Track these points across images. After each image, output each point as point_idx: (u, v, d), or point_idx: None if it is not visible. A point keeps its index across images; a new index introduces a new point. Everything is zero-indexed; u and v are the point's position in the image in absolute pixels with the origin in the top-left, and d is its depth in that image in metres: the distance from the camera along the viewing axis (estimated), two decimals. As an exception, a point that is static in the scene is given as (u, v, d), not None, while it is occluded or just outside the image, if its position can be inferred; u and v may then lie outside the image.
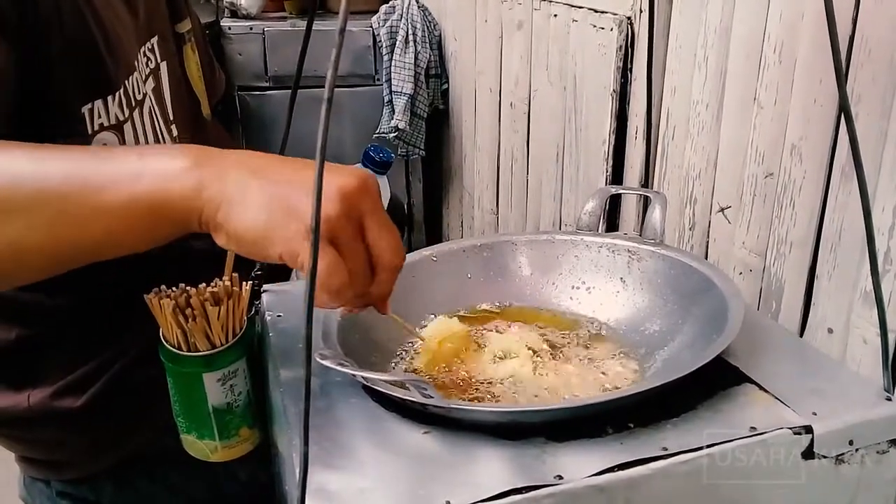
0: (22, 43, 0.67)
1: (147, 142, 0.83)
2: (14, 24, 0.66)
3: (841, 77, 0.58)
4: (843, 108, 0.60)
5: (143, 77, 0.84)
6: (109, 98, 0.76)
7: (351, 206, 0.54)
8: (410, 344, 0.76)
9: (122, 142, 0.78)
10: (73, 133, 0.73)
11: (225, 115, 2.38)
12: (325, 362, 0.60)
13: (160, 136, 0.86)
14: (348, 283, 0.54)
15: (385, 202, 0.97)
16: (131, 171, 0.55)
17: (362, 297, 0.58)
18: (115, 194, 0.54)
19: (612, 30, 1.33)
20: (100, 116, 0.75)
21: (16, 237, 0.55)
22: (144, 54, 0.86)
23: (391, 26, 2.36)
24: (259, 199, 0.53)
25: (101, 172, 0.55)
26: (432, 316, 0.79)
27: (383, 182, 0.97)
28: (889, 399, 0.62)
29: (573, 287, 0.83)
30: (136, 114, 0.81)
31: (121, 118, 0.78)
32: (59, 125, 0.71)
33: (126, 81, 0.79)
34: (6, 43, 0.65)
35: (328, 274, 0.52)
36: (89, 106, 0.74)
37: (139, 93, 0.82)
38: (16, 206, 0.54)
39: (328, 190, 0.53)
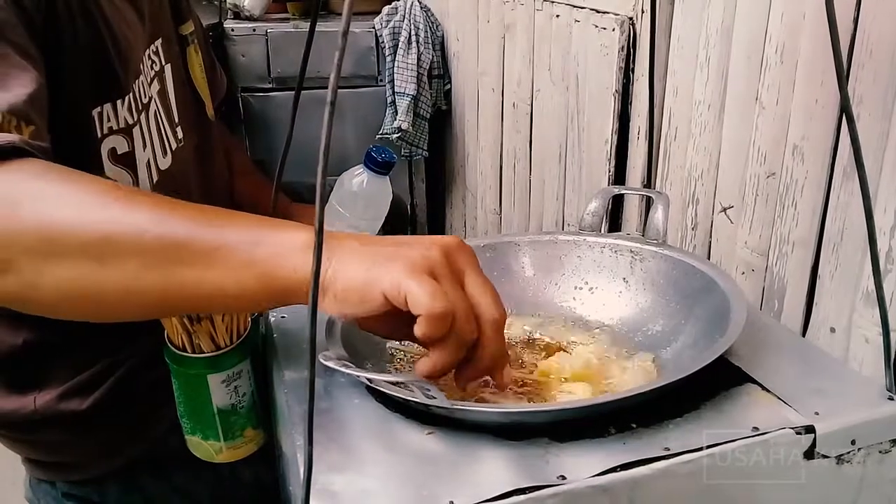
0: (45, 51, 0.67)
1: (153, 144, 0.83)
2: (40, 28, 0.67)
3: (842, 78, 0.58)
4: (845, 109, 0.60)
5: (149, 80, 0.85)
6: (119, 102, 0.77)
7: (450, 256, 0.56)
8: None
9: (131, 145, 0.79)
10: (82, 136, 0.73)
11: (228, 116, 2.38)
12: (328, 363, 0.60)
13: (166, 139, 0.86)
14: (456, 310, 0.53)
15: (388, 203, 0.98)
16: (252, 236, 0.56)
17: (476, 361, 0.57)
18: (234, 255, 0.55)
19: (613, 30, 1.33)
20: (109, 120, 0.76)
21: (130, 278, 0.55)
22: (149, 57, 0.86)
23: (394, 27, 2.36)
24: (359, 255, 0.55)
25: (222, 232, 0.56)
26: None
27: (385, 182, 0.98)
28: (891, 399, 0.62)
29: (576, 287, 0.83)
30: (142, 117, 0.81)
31: (129, 122, 0.78)
32: (69, 128, 0.72)
33: (133, 85, 0.80)
34: (37, 47, 0.66)
35: (432, 295, 0.52)
36: (98, 109, 0.75)
37: (145, 96, 0.83)
38: (136, 250, 0.55)
39: (429, 240, 0.56)
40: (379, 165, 0.95)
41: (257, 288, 0.56)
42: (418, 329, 0.53)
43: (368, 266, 0.54)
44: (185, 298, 0.58)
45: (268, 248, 0.55)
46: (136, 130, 0.79)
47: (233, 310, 0.59)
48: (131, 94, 0.79)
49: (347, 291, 0.54)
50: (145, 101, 0.82)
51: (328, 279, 0.54)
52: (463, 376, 0.58)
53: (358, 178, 0.95)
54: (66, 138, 0.71)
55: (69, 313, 0.60)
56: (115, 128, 0.77)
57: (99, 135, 0.75)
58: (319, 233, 0.44)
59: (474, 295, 0.56)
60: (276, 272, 0.55)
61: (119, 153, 0.78)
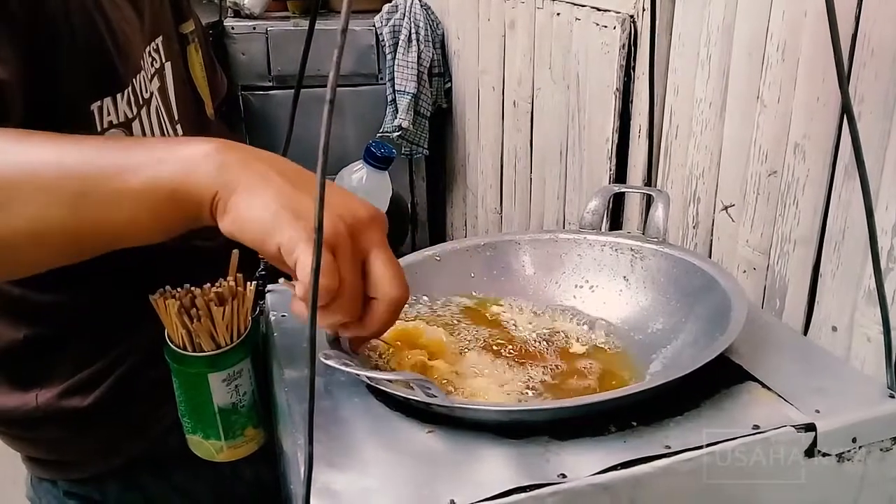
0: (30, 41, 0.67)
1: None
2: (23, 23, 0.66)
3: (843, 77, 0.58)
4: (845, 108, 0.60)
5: (149, 76, 0.85)
6: (118, 96, 0.77)
7: (359, 231, 0.55)
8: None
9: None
10: (81, 130, 0.73)
11: (228, 114, 2.38)
12: (329, 362, 0.60)
13: (167, 135, 0.86)
14: (336, 288, 0.54)
15: (387, 198, 0.98)
16: (156, 156, 0.55)
17: (353, 325, 0.58)
18: (138, 176, 0.55)
19: (614, 28, 1.33)
20: (108, 114, 0.76)
21: (36, 218, 0.55)
22: (150, 54, 0.86)
23: (394, 25, 2.36)
24: (273, 193, 0.54)
25: (125, 157, 0.56)
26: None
27: (385, 178, 0.97)
28: (892, 397, 0.62)
29: (576, 286, 0.83)
30: (143, 112, 0.81)
31: (129, 116, 0.79)
32: (68, 122, 0.72)
33: (133, 80, 0.80)
34: (14, 45, 0.66)
35: (321, 271, 0.52)
36: (98, 104, 0.75)
37: (146, 91, 0.83)
38: (37, 187, 0.55)
39: (344, 210, 0.55)
40: (378, 160, 0.95)
41: (168, 209, 0.55)
42: (298, 291, 0.54)
43: (275, 210, 0.53)
44: (97, 233, 0.57)
45: (172, 163, 0.55)
46: (135, 125, 0.79)
47: (152, 238, 0.58)
48: (130, 89, 0.79)
49: (246, 222, 0.54)
50: (146, 96, 0.82)
51: (234, 200, 0.54)
52: (344, 332, 0.61)
53: (357, 173, 0.95)
54: (66, 132, 0.71)
55: None
56: (114, 122, 0.77)
57: (99, 129, 0.75)
58: (319, 230, 0.44)
59: (376, 273, 0.56)
60: (184, 186, 0.54)
61: None
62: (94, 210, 0.55)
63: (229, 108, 2.36)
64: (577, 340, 0.76)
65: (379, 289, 0.56)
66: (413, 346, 0.71)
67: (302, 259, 0.52)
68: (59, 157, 0.56)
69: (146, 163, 0.55)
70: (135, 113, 0.79)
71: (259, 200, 0.54)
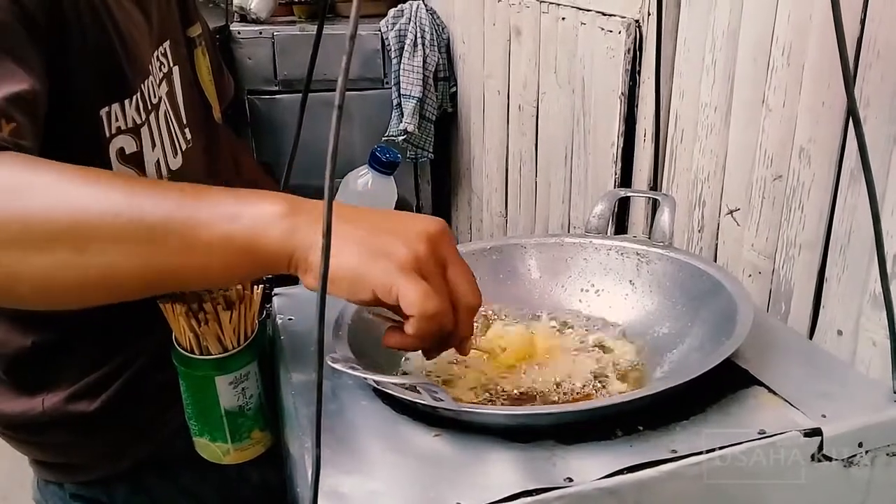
0: (49, 51, 0.68)
1: (163, 145, 0.84)
2: (43, 29, 0.67)
3: (849, 81, 0.58)
4: (852, 112, 0.60)
5: (158, 81, 0.85)
6: (126, 102, 0.77)
7: (436, 247, 0.57)
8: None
9: (139, 145, 0.79)
10: (90, 136, 0.74)
11: (235, 119, 2.39)
12: (336, 365, 0.60)
13: (175, 140, 0.87)
14: (444, 309, 0.56)
15: (393, 203, 0.98)
16: (229, 211, 0.56)
17: (447, 340, 0.61)
18: (212, 232, 0.56)
19: (620, 33, 1.33)
20: (117, 120, 0.76)
21: (110, 264, 0.56)
22: (158, 59, 0.87)
23: (400, 30, 2.37)
24: (349, 242, 0.56)
25: (198, 209, 0.57)
26: None
27: (390, 183, 0.97)
28: (899, 401, 0.62)
29: (582, 290, 0.83)
30: (151, 117, 0.81)
31: (138, 122, 0.79)
32: (76, 128, 0.72)
33: (142, 85, 0.80)
34: (38, 52, 0.66)
35: (425, 297, 0.55)
36: (107, 109, 0.75)
37: (154, 96, 0.83)
38: (113, 235, 0.55)
39: (415, 231, 0.57)
40: (383, 165, 0.95)
41: (240, 262, 0.56)
42: (410, 328, 0.56)
43: (358, 256, 0.55)
44: (167, 279, 0.58)
45: (246, 220, 0.56)
46: (143, 130, 0.80)
47: (219, 285, 0.60)
48: (139, 94, 0.79)
49: (336, 279, 0.55)
50: (154, 101, 0.83)
51: (313, 257, 0.55)
52: (433, 352, 0.63)
53: (363, 178, 0.95)
54: (75, 138, 0.71)
55: (53, 302, 0.60)
56: (122, 128, 0.77)
57: (107, 134, 0.75)
58: (327, 235, 0.45)
59: (454, 283, 0.59)
60: (257, 245, 0.56)
61: (127, 153, 0.78)
62: (165, 259, 0.56)
63: (235, 112, 2.37)
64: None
65: (460, 298, 0.59)
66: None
67: (402, 291, 0.54)
68: (134, 203, 0.56)
69: (220, 218, 0.56)
70: (143, 119, 0.80)
71: (337, 254, 0.54)
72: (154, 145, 0.82)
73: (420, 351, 0.63)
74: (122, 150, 0.77)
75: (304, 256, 0.56)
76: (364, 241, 0.56)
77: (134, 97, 0.78)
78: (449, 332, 0.59)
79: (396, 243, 0.56)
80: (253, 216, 0.56)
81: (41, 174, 0.57)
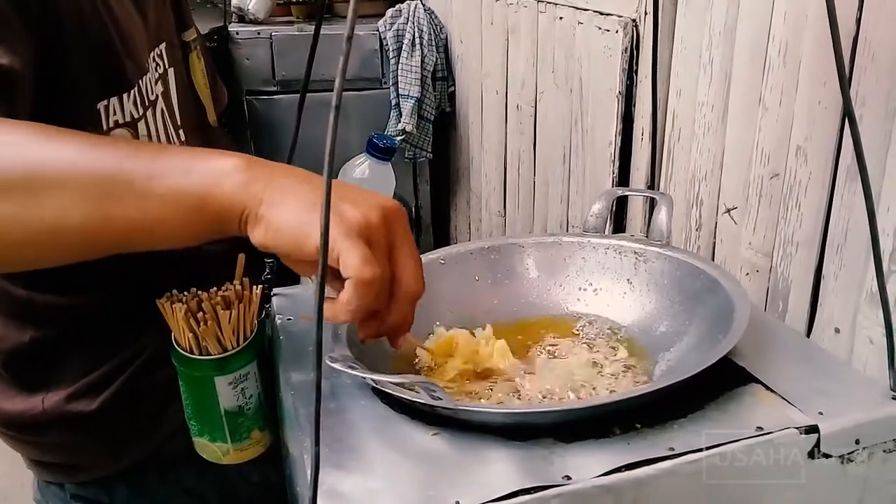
0: (42, 36, 0.68)
1: (160, 141, 0.84)
2: (36, 14, 0.67)
3: (844, 82, 0.58)
4: (847, 113, 0.60)
5: (154, 80, 0.85)
6: (125, 96, 0.78)
7: (388, 222, 0.57)
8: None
9: (137, 139, 0.80)
10: (88, 128, 0.74)
11: (233, 119, 2.39)
12: (335, 365, 0.60)
13: (171, 138, 0.87)
14: (381, 278, 0.55)
15: (391, 190, 0.98)
16: (183, 166, 0.57)
17: (380, 321, 0.60)
18: (165, 184, 0.56)
19: (617, 32, 1.34)
20: (115, 113, 0.77)
21: (62, 214, 0.56)
22: (154, 59, 0.87)
23: (398, 30, 2.37)
24: (301, 200, 0.55)
25: (153, 163, 0.57)
26: (437, 323, 0.78)
27: (388, 169, 0.97)
28: (895, 398, 0.63)
29: (580, 289, 0.84)
30: (149, 113, 0.82)
31: (135, 116, 0.79)
32: (75, 120, 0.73)
33: (140, 81, 0.81)
34: (27, 38, 0.66)
35: (364, 262, 0.54)
36: (105, 103, 0.76)
37: (152, 93, 0.84)
38: (65, 185, 0.56)
39: (370, 202, 0.56)
40: (381, 151, 0.95)
41: (192, 217, 0.56)
42: (343, 293, 0.55)
43: (306, 212, 0.55)
44: (119, 235, 0.58)
45: (199, 175, 0.56)
46: (140, 125, 0.80)
47: (167, 243, 0.59)
48: (136, 89, 0.80)
49: (281, 231, 0.55)
50: (152, 97, 0.83)
51: (263, 209, 0.55)
52: (364, 330, 0.62)
53: (360, 166, 0.95)
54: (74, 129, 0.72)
55: (8, 257, 0.60)
56: (120, 121, 0.77)
57: (105, 128, 0.76)
58: (325, 234, 0.45)
59: (400, 265, 0.58)
60: (210, 199, 0.56)
61: None
62: (118, 210, 0.56)
63: (233, 112, 2.37)
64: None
65: (401, 282, 0.58)
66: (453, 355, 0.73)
67: (343, 254, 0.54)
68: (88, 155, 0.57)
69: (174, 171, 0.56)
70: (140, 113, 0.80)
71: (288, 209, 0.55)
72: (151, 140, 0.82)
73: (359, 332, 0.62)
74: (157, 143, 0.78)
75: (254, 211, 0.55)
76: (314, 202, 0.55)
77: (132, 91, 0.79)
78: (383, 309, 0.58)
79: (349, 207, 0.55)
80: (206, 170, 0.56)
81: None
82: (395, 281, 0.58)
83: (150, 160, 0.57)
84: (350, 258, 0.54)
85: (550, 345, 0.77)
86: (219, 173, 0.56)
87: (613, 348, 0.75)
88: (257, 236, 0.56)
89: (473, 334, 0.75)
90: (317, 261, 0.54)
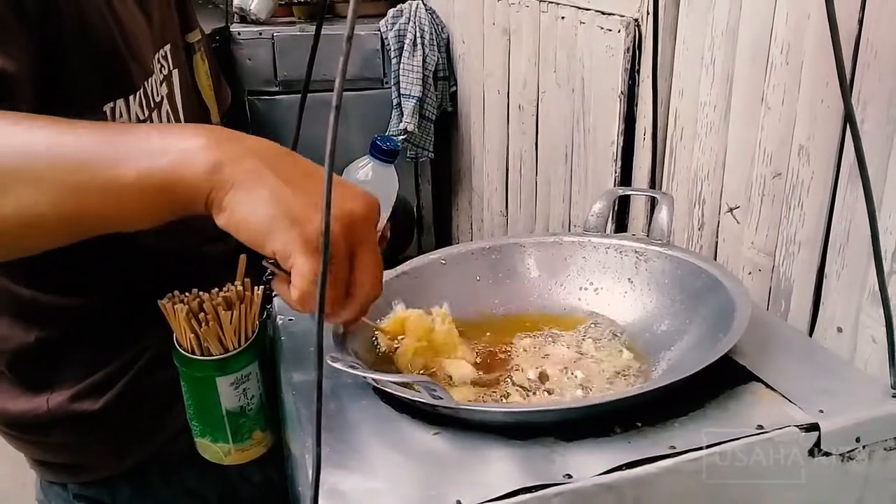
0: (43, 39, 0.68)
1: None
2: (35, 17, 0.67)
3: (844, 84, 0.59)
4: (848, 115, 0.60)
5: (159, 81, 0.86)
6: (130, 98, 0.78)
7: (352, 231, 0.57)
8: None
9: None
10: None
11: (235, 119, 2.39)
12: (336, 365, 0.60)
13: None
14: (331, 296, 0.56)
15: (394, 192, 0.98)
16: (149, 147, 0.56)
17: (335, 314, 0.60)
18: (131, 167, 0.55)
19: (619, 32, 1.34)
20: (121, 115, 0.77)
21: (30, 203, 0.56)
22: (158, 61, 0.87)
23: (399, 30, 2.37)
24: (268, 193, 0.55)
25: (119, 147, 0.57)
26: (396, 301, 0.76)
27: (391, 172, 0.97)
28: (896, 397, 0.63)
29: (581, 288, 0.84)
30: (154, 114, 0.82)
31: (141, 117, 0.79)
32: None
33: (145, 83, 0.81)
34: (26, 41, 0.66)
35: (313, 280, 0.54)
36: (111, 105, 0.76)
37: (157, 95, 0.84)
38: (32, 174, 0.56)
39: (337, 209, 0.55)
40: (384, 153, 0.95)
41: (159, 200, 0.56)
42: (292, 296, 0.56)
43: (271, 212, 0.54)
44: (89, 219, 0.58)
45: (166, 157, 0.56)
46: None
47: (140, 225, 0.59)
48: (142, 91, 0.80)
49: (241, 223, 0.55)
50: (157, 99, 0.83)
51: (228, 198, 0.55)
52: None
53: (364, 168, 0.95)
54: None
55: None
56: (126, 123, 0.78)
57: None
58: (326, 234, 0.45)
59: (358, 270, 0.58)
60: (179, 181, 0.55)
61: None
62: (87, 198, 0.56)
63: (235, 112, 2.37)
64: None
65: (359, 286, 0.59)
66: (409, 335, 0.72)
67: (297, 266, 0.54)
68: (55, 144, 0.56)
69: (140, 154, 0.56)
70: (146, 115, 0.80)
71: (254, 201, 0.55)
72: None
73: None
74: (124, 124, 0.78)
75: (221, 195, 0.55)
76: (283, 199, 0.55)
77: (137, 93, 0.79)
78: (337, 306, 0.59)
79: (314, 215, 0.55)
80: (173, 151, 0.56)
81: None
82: (353, 283, 0.59)
83: (118, 143, 0.57)
84: (298, 272, 0.54)
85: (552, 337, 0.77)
86: (187, 154, 0.56)
87: (620, 351, 0.75)
88: (220, 221, 0.56)
89: (430, 313, 0.74)
90: (271, 256, 0.55)
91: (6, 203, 0.55)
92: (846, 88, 0.58)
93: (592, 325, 0.80)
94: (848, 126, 0.62)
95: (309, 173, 0.58)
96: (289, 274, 0.57)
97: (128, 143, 0.57)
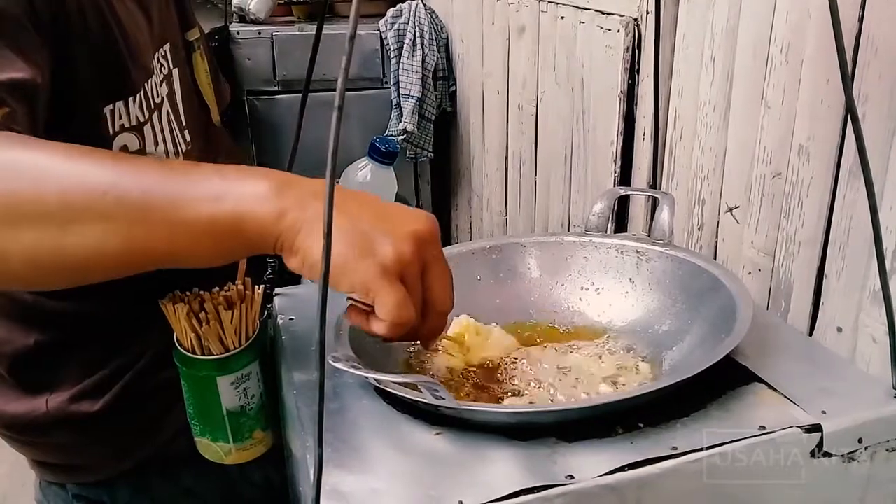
0: (52, 43, 0.68)
1: (165, 143, 0.84)
2: (48, 24, 0.67)
3: (847, 79, 0.58)
4: (850, 111, 0.60)
5: (159, 81, 0.85)
6: (130, 100, 0.78)
7: (422, 250, 0.57)
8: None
9: (142, 143, 0.79)
10: (93, 133, 0.74)
11: (234, 119, 2.39)
12: (337, 364, 0.60)
13: (176, 140, 0.87)
14: (414, 320, 0.57)
15: (393, 193, 0.98)
16: (214, 191, 0.56)
17: (412, 333, 0.61)
18: (196, 213, 0.55)
19: (618, 31, 1.33)
20: (121, 118, 0.77)
21: (91, 243, 0.56)
22: (158, 60, 0.87)
23: (398, 29, 2.37)
24: (338, 233, 0.54)
25: (183, 188, 0.56)
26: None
27: (390, 173, 0.97)
28: (898, 397, 0.63)
29: (582, 288, 0.84)
30: (154, 116, 0.82)
31: (141, 119, 0.79)
32: (82, 125, 0.73)
33: (145, 84, 0.81)
34: (42, 48, 0.66)
35: (399, 307, 0.55)
36: (111, 107, 0.76)
37: (157, 96, 0.84)
38: (95, 214, 0.55)
39: (403, 230, 0.56)
40: (383, 155, 0.95)
41: (225, 243, 0.56)
42: (379, 327, 0.57)
43: (344, 249, 0.55)
44: (153, 258, 0.58)
45: (231, 201, 0.56)
46: (146, 128, 0.80)
47: (205, 264, 0.59)
48: (142, 92, 0.80)
49: (316, 266, 0.54)
50: (157, 100, 0.83)
51: (299, 241, 0.55)
52: (398, 339, 0.62)
53: (363, 170, 0.95)
54: (79, 135, 0.71)
55: (39, 282, 0.60)
56: (126, 125, 0.77)
57: (111, 132, 0.76)
58: (328, 236, 0.45)
59: (431, 286, 0.59)
60: (243, 226, 0.56)
61: (130, 151, 0.78)
62: (148, 239, 0.56)
63: (234, 112, 2.37)
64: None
65: (435, 303, 0.59)
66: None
67: (379, 297, 0.55)
68: (117, 182, 0.56)
69: (204, 198, 0.56)
70: (146, 117, 0.80)
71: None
72: (157, 144, 0.82)
73: None
74: (125, 147, 0.78)
75: (290, 239, 0.55)
76: (352, 234, 0.55)
77: (137, 95, 0.79)
78: (413, 334, 0.60)
79: (384, 242, 0.55)
80: (238, 196, 0.56)
81: (30, 152, 0.57)
82: (427, 300, 0.59)
83: (182, 184, 0.57)
84: (384, 303, 0.55)
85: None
86: (251, 199, 0.56)
87: (637, 367, 0.73)
88: (293, 265, 0.56)
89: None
90: (349, 292, 0.56)
91: (67, 239, 0.55)
92: (848, 83, 0.58)
93: (593, 326, 0.80)
94: (850, 123, 0.62)
95: (373, 207, 0.58)
96: (367, 305, 0.58)
97: (192, 185, 0.57)
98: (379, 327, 0.57)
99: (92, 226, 0.55)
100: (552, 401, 0.68)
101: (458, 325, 0.75)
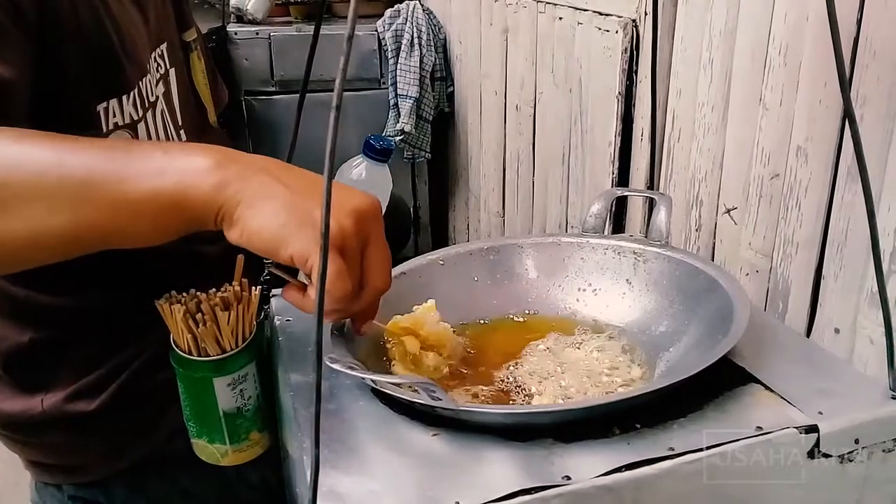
0: (40, 41, 0.68)
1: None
2: (33, 22, 0.67)
3: (844, 82, 0.58)
4: (847, 113, 0.60)
5: (155, 81, 0.85)
6: (124, 97, 0.77)
7: (361, 226, 0.58)
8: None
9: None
10: (87, 131, 0.74)
11: (231, 120, 2.39)
12: (334, 366, 0.60)
13: (172, 139, 0.87)
14: (350, 292, 0.57)
15: (388, 192, 0.98)
16: (156, 166, 0.56)
17: (345, 310, 0.61)
18: (138, 187, 0.56)
19: (617, 32, 1.34)
20: (114, 115, 0.77)
21: (35, 222, 0.56)
22: (155, 59, 0.87)
23: (396, 30, 2.37)
24: (278, 202, 0.56)
25: (125, 165, 0.57)
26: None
27: (385, 171, 0.97)
28: (895, 398, 0.63)
29: (579, 289, 0.84)
30: (149, 114, 0.82)
31: (135, 117, 0.79)
32: (74, 123, 0.72)
33: (140, 82, 0.81)
34: (23, 44, 0.66)
35: (335, 278, 0.56)
36: (104, 104, 0.76)
37: (152, 95, 0.83)
38: (37, 192, 0.56)
39: (345, 206, 0.57)
40: (378, 153, 0.94)
41: (168, 217, 0.57)
42: (312, 293, 0.58)
43: (282, 220, 0.55)
44: (97, 237, 0.58)
45: (173, 175, 0.56)
46: (140, 126, 0.80)
47: (148, 241, 0.59)
48: (136, 91, 0.79)
49: (254, 235, 0.56)
50: (152, 99, 0.83)
51: (239, 212, 0.56)
52: (329, 316, 0.63)
53: (357, 167, 0.95)
54: (71, 133, 0.71)
55: None
56: (120, 123, 0.77)
57: (105, 130, 0.76)
58: (325, 236, 0.45)
59: (369, 263, 0.60)
60: (185, 200, 0.56)
61: None
62: (92, 216, 0.56)
63: (232, 113, 2.37)
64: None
65: (369, 279, 0.60)
66: (413, 335, 0.72)
67: (317, 266, 0.53)
68: (60, 161, 0.56)
69: (146, 172, 0.56)
70: (140, 115, 0.80)
71: (264, 212, 0.55)
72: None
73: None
74: (128, 139, 0.78)
75: (231, 210, 0.56)
76: (294, 205, 0.56)
77: (131, 93, 0.78)
78: (347, 312, 0.61)
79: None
80: (180, 170, 0.56)
81: None
82: (364, 278, 0.60)
83: (124, 161, 0.57)
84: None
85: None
86: (193, 172, 0.56)
87: (628, 367, 0.73)
88: (233, 236, 0.57)
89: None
90: (288, 261, 0.56)
91: (15, 220, 0.56)
92: (846, 87, 0.58)
93: (590, 327, 0.80)
94: (847, 125, 0.62)
95: (315, 183, 0.59)
96: (295, 279, 0.58)
97: (133, 161, 0.57)
98: (312, 293, 0.57)
99: (35, 205, 0.56)
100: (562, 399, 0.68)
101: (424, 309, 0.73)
